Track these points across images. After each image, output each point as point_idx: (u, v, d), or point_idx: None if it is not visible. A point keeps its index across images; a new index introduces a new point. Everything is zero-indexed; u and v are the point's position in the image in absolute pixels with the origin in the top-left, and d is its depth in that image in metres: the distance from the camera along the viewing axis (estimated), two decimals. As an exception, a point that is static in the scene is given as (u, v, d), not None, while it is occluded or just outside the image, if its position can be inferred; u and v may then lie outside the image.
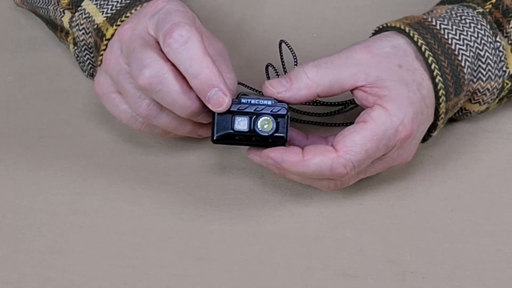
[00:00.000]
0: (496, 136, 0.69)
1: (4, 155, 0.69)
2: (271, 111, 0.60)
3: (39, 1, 0.74)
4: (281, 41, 0.70)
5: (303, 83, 0.60)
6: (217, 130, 0.61)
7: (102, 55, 0.66)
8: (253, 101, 0.61)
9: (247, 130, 0.60)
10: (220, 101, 0.59)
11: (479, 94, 0.64)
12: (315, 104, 0.69)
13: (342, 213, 0.64)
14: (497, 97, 0.66)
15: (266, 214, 0.64)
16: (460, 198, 0.65)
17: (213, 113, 0.61)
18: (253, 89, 0.71)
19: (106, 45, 0.66)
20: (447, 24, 0.63)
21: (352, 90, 0.61)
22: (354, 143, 0.59)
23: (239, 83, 0.70)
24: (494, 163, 0.67)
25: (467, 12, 0.64)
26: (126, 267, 0.61)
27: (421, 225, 0.63)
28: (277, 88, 0.61)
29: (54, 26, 0.74)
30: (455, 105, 0.63)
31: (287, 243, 0.62)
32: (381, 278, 0.60)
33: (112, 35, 0.66)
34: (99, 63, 0.67)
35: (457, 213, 0.64)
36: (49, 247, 0.62)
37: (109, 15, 0.67)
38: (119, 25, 0.66)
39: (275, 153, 0.60)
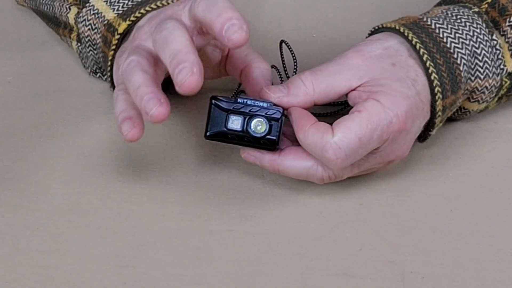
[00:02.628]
0: (496, 135, 0.69)
1: (4, 155, 0.69)
2: (266, 114, 0.61)
3: None
4: (281, 41, 0.70)
5: (300, 90, 0.62)
6: (210, 126, 0.62)
7: (113, 49, 0.66)
8: (249, 102, 0.61)
9: (240, 129, 0.61)
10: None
11: (477, 92, 0.65)
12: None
13: (341, 213, 0.64)
14: (495, 95, 0.66)
15: (265, 214, 0.64)
16: (460, 198, 0.65)
17: (209, 109, 0.61)
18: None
19: (118, 39, 0.66)
20: (442, 24, 0.63)
21: (346, 94, 0.62)
22: (348, 129, 0.59)
23: (242, 91, 0.71)
24: (494, 163, 0.67)
25: (462, 12, 0.64)
26: (125, 267, 0.61)
27: (421, 225, 0.63)
28: (275, 93, 0.62)
29: (57, 23, 0.74)
30: (453, 103, 0.63)
31: (286, 243, 0.62)
32: (381, 278, 0.60)
33: (125, 30, 0.66)
34: (110, 57, 0.67)
35: (457, 213, 0.64)
36: (49, 247, 0.62)
37: (120, 12, 0.68)
38: (132, 20, 0.67)
39: (296, 111, 0.62)
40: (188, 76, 0.56)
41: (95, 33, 0.69)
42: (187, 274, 0.60)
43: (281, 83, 0.67)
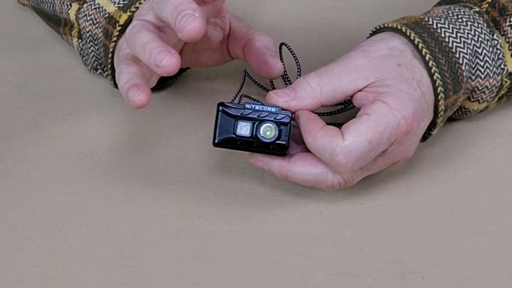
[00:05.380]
0: (496, 135, 0.69)
1: (4, 155, 0.69)
2: (275, 118, 0.61)
3: None
4: (281, 44, 0.70)
5: (307, 93, 0.61)
6: (219, 133, 0.61)
7: (114, 41, 0.66)
8: (257, 107, 0.61)
9: (249, 135, 0.61)
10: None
11: (478, 92, 0.65)
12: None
13: (342, 213, 0.64)
14: (496, 95, 0.66)
15: (266, 214, 0.64)
16: (460, 198, 0.65)
17: (216, 116, 0.61)
18: (255, 99, 0.71)
19: (119, 31, 0.66)
20: (444, 23, 0.63)
21: (352, 94, 0.62)
22: (358, 132, 0.59)
23: (245, 96, 0.71)
24: (494, 163, 0.67)
25: (463, 11, 0.64)
26: (126, 267, 0.61)
27: (421, 225, 0.63)
28: (282, 97, 0.62)
29: (57, 22, 0.74)
30: (454, 103, 0.64)
31: (287, 243, 0.62)
32: (381, 278, 0.60)
33: (126, 21, 0.66)
34: (111, 49, 0.67)
35: (457, 213, 0.64)
36: (49, 247, 0.62)
37: (121, 5, 0.68)
38: (133, 11, 0.67)
39: (304, 114, 0.61)
40: (190, 20, 0.55)
41: (96, 27, 0.69)
42: (188, 274, 0.60)
43: (286, 86, 0.67)
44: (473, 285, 0.59)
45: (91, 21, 0.70)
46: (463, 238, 0.62)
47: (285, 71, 0.70)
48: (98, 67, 0.73)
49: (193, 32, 0.55)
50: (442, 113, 0.63)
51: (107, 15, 0.68)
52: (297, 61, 0.69)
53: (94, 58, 0.72)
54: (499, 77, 0.64)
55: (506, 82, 0.65)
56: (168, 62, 0.56)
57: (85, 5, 0.70)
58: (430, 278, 0.60)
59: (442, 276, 0.60)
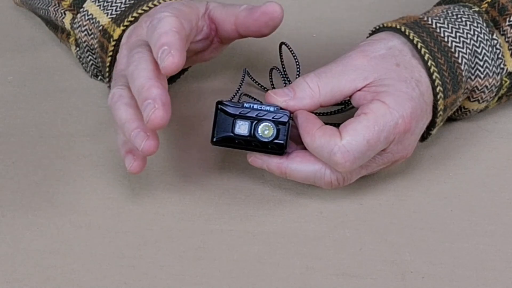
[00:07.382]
0: (496, 135, 0.69)
1: (4, 155, 0.69)
2: (273, 118, 0.61)
3: (39, 2, 0.74)
4: (281, 43, 0.70)
5: (306, 93, 0.62)
6: (217, 132, 0.61)
7: (110, 56, 0.67)
8: (255, 106, 0.61)
9: (247, 134, 0.61)
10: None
11: (477, 91, 0.65)
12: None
13: (341, 213, 0.64)
14: (495, 95, 0.66)
15: (266, 214, 0.64)
16: (460, 198, 0.65)
17: (215, 114, 0.61)
18: (254, 98, 0.71)
19: (114, 45, 0.66)
20: (443, 23, 0.63)
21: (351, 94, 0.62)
22: (356, 132, 0.59)
23: (245, 94, 0.71)
24: (494, 163, 0.67)
25: (463, 11, 0.64)
26: (126, 267, 0.61)
27: (421, 225, 0.63)
28: (281, 96, 0.62)
29: (55, 27, 0.74)
30: (453, 103, 0.64)
31: (286, 243, 0.62)
32: (381, 278, 0.60)
33: (120, 36, 0.66)
34: (107, 64, 0.67)
35: (457, 213, 0.64)
36: (49, 247, 0.62)
37: (114, 16, 0.68)
38: (126, 25, 0.66)
39: (302, 114, 0.61)
40: (152, 112, 0.57)
41: (91, 38, 0.69)
42: (188, 274, 0.60)
43: (285, 85, 0.67)
44: (473, 285, 0.59)
45: (86, 32, 0.69)
46: (463, 238, 0.62)
47: (284, 70, 0.70)
48: (98, 73, 0.73)
49: (156, 124, 0.57)
50: (441, 112, 0.63)
51: (100, 27, 0.68)
52: (296, 60, 0.69)
53: (94, 66, 0.72)
54: (499, 76, 0.64)
55: (505, 81, 0.65)
56: (145, 147, 0.58)
57: (78, 15, 0.70)
58: (430, 278, 0.60)
59: (442, 276, 0.60)
